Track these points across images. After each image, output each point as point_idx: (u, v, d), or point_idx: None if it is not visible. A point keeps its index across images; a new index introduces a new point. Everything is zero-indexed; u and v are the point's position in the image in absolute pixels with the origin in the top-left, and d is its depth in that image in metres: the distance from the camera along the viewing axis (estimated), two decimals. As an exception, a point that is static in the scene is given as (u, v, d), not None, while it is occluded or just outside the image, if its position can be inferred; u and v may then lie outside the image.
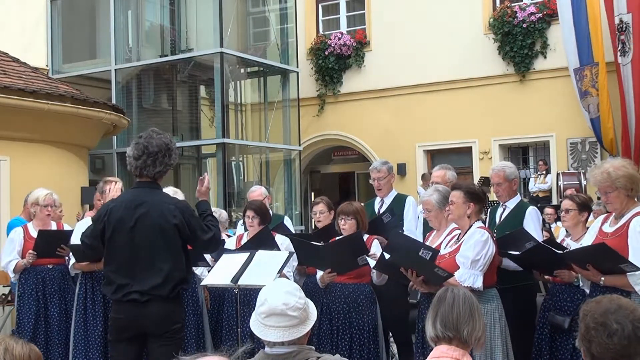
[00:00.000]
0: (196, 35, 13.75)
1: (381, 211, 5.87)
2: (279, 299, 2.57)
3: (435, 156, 14.68)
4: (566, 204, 4.81)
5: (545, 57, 13.60)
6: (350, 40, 15.27)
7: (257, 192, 6.80)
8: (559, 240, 5.07)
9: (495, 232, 4.79)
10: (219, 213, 6.68)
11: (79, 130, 10.17)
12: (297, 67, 14.56)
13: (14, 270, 5.80)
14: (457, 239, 4.38)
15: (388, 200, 5.94)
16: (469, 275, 4.11)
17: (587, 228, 4.57)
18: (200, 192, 4.47)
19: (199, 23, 13.67)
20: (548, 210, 10.66)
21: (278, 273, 4.63)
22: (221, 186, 12.44)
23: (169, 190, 5.45)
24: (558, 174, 12.80)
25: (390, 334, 5.82)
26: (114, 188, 5.33)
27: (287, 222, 6.89)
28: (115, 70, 13.03)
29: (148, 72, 13.58)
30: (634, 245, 3.82)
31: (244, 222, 5.95)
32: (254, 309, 2.67)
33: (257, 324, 2.60)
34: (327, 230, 5.47)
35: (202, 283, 5.21)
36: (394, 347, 6.02)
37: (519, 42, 13.63)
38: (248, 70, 14.91)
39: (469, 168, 14.12)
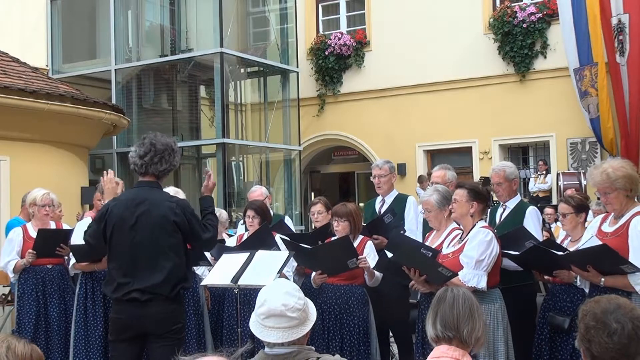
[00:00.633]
0: (196, 35, 13.75)
1: (382, 211, 5.87)
2: (278, 299, 2.56)
3: (435, 156, 14.67)
4: (563, 208, 4.78)
5: (545, 57, 13.60)
6: (350, 40, 15.27)
7: (257, 192, 6.79)
8: (559, 241, 5.06)
9: (495, 232, 4.78)
10: (219, 213, 6.66)
11: (79, 130, 10.17)
12: (297, 67, 14.56)
13: (14, 270, 5.80)
14: (460, 238, 4.36)
15: (389, 200, 5.94)
16: (472, 275, 4.09)
17: (586, 228, 4.56)
18: (208, 187, 4.48)
19: (199, 23, 13.67)
20: (548, 210, 10.64)
21: (278, 273, 4.63)
22: (221, 186, 12.44)
23: (170, 190, 5.45)
24: (558, 174, 12.80)
25: (391, 334, 5.83)
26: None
27: (288, 221, 6.88)
28: (115, 70, 13.04)
29: (148, 72, 13.58)
30: (634, 245, 3.82)
31: (245, 222, 5.95)
32: (254, 309, 2.67)
33: (257, 325, 2.60)
34: (323, 230, 5.46)
35: (202, 283, 5.21)
36: (394, 347, 6.03)
37: (519, 42, 13.63)
38: (248, 70, 14.91)
39: (469, 168, 14.12)
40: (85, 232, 4.42)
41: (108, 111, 10.45)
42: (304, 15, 15.49)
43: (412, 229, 5.72)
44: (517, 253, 4.56)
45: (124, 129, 11.71)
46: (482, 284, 4.08)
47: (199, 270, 5.55)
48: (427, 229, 5.17)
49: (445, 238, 4.56)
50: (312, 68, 15.63)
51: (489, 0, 14.15)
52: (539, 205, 9.85)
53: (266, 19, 15.05)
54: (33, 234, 5.82)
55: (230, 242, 5.90)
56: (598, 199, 4.28)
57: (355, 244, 5.07)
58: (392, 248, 4.69)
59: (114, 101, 12.24)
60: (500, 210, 5.28)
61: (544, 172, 13.36)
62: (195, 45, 13.67)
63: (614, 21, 12.06)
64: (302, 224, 14.29)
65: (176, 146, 4.23)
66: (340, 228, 5.06)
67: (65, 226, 6.20)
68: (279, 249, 5.26)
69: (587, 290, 4.18)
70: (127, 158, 4.41)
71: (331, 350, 4.80)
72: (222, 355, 1.91)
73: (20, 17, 12.65)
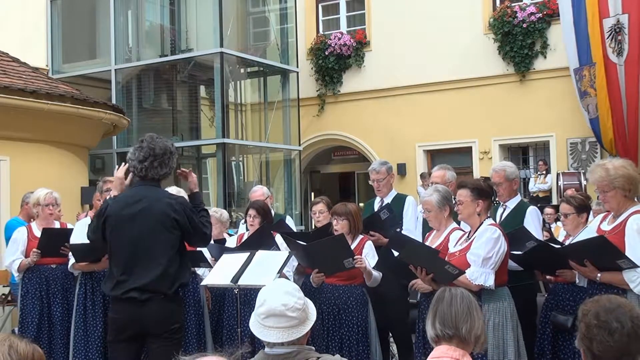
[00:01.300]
0: (196, 35, 13.75)
1: (378, 209, 5.87)
2: (278, 299, 2.56)
3: (435, 156, 14.68)
4: (564, 208, 4.79)
5: (545, 57, 13.60)
6: (350, 40, 15.27)
7: (258, 192, 6.76)
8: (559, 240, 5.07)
9: (502, 229, 4.76)
10: (220, 213, 6.66)
11: (79, 130, 10.18)
12: (297, 67, 14.57)
13: (18, 269, 5.82)
14: (468, 236, 4.33)
15: (388, 200, 5.94)
16: (480, 273, 4.05)
17: (587, 227, 4.57)
18: (192, 182, 4.46)
19: (199, 23, 13.67)
20: (548, 210, 10.65)
21: (278, 273, 4.62)
22: (221, 186, 12.45)
23: (172, 190, 5.45)
24: (558, 174, 12.81)
25: (391, 334, 5.82)
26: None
27: (289, 221, 6.86)
28: (115, 70, 13.04)
29: (148, 72, 13.59)
30: (631, 242, 3.85)
31: (246, 222, 5.94)
32: (254, 309, 2.67)
33: (257, 325, 2.60)
34: (324, 230, 5.44)
35: (202, 283, 5.21)
36: (394, 347, 6.02)
37: (519, 42, 13.63)
38: (248, 70, 14.91)
39: (469, 168, 14.12)
40: (89, 227, 4.42)
41: (108, 111, 10.45)
42: (304, 15, 15.50)
43: (411, 228, 5.72)
44: (519, 252, 4.56)
45: (124, 129, 11.71)
46: (490, 282, 4.05)
47: (199, 270, 5.54)
48: (426, 229, 5.16)
49: (446, 238, 4.56)
50: (312, 68, 15.63)
51: (489, 0, 14.15)
52: (539, 205, 9.84)
53: (266, 19, 15.04)
54: (38, 233, 5.83)
55: (231, 241, 5.90)
56: (598, 197, 4.29)
57: (355, 244, 5.07)
58: (396, 246, 4.67)
59: (114, 101, 12.24)
60: (500, 210, 5.28)
61: (544, 172, 13.36)
62: (195, 45, 13.67)
63: (612, 21, 12.05)
64: (302, 223, 14.29)
65: (174, 148, 4.26)
66: (339, 227, 5.06)
67: (69, 226, 6.21)
68: (279, 249, 5.26)
69: (585, 286, 4.19)
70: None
71: (331, 350, 4.80)
72: (222, 355, 1.91)
73: (20, 17, 12.65)
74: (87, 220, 5.60)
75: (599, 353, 2.23)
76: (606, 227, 4.07)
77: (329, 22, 15.98)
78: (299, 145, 14.64)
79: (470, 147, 14.30)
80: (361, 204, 11.24)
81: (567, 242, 4.81)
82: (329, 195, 6.91)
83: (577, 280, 4.32)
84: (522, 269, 4.71)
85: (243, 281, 4.66)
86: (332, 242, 4.89)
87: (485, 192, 4.32)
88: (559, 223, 10.37)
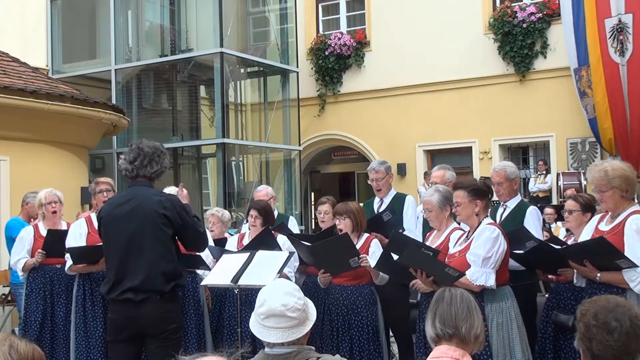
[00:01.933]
0: (196, 35, 13.75)
1: (381, 211, 5.87)
2: (278, 300, 2.56)
3: (435, 156, 14.67)
4: (570, 204, 4.81)
5: (545, 57, 13.60)
6: (350, 40, 15.27)
7: (262, 192, 6.73)
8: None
9: (501, 228, 4.76)
10: (222, 213, 6.66)
11: (79, 130, 10.18)
12: (297, 67, 14.57)
13: (23, 269, 5.84)
14: (467, 236, 4.31)
15: (387, 200, 5.94)
16: (480, 273, 4.03)
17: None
18: (183, 196, 4.56)
19: (199, 23, 13.67)
20: (548, 210, 10.65)
21: (278, 273, 4.62)
22: (221, 186, 12.45)
23: (171, 190, 5.46)
24: (558, 174, 12.81)
25: (391, 334, 5.82)
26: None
27: (292, 222, 6.85)
28: (115, 70, 13.04)
29: (148, 72, 13.59)
30: (630, 242, 3.88)
31: (248, 222, 5.94)
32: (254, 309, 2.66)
33: (257, 325, 2.59)
34: (328, 233, 5.42)
35: (202, 283, 5.21)
36: (394, 347, 6.02)
37: (519, 42, 13.63)
38: (248, 70, 14.91)
39: (469, 168, 14.12)
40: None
41: (108, 111, 10.45)
42: (304, 15, 15.50)
43: (411, 228, 5.72)
44: (520, 252, 4.56)
45: (124, 129, 11.71)
46: (491, 281, 4.03)
47: (199, 270, 5.54)
48: (427, 228, 5.16)
49: (446, 238, 4.56)
50: (312, 68, 15.63)
51: (489, 0, 14.16)
52: (539, 205, 9.85)
53: (266, 19, 15.05)
54: (44, 233, 5.86)
55: (232, 241, 5.89)
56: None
57: (361, 242, 5.06)
58: (395, 249, 4.66)
59: (114, 101, 12.24)
60: (500, 210, 5.28)
61: (544, 172, 13.37)
62: (195, 45, 13.67)
63: (614, 21, 12.06)
64: (302, 224, 14.29)
65: (164, 148, 4.29)
66: (342, 226, 5.04)
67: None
68: (281, 250, 5.25)
69: (583, 286, 4.20)
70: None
71: (341, 352, 4.78)
72: (222, 355, 1.91)
73: (20, 17, 12.65)
74: (81, 222, 5.62)
75: (599, 352, 2.24)
76: (604, 227, 4.10)
77: (329, 22, 15.99)
78: (299, 145, 14.64)
79: (470, 147, 14.30)
80: (360, 204, 11.18)
81: (568, 242, 4.82)
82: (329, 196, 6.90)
83: (575, 280, 4.33)
84: (523, 269, 4.71)
85: (243, 281, 4.66)
86: (336, 241, 4.87)
87: (482, 192, 4.31)
88: (559, 223, 10.37)
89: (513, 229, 4.79)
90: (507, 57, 13.78)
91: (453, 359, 2.61)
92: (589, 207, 4.76)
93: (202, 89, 14.47)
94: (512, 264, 4.65)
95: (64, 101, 9.64)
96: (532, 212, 5.13)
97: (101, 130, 10.86)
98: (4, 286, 8.37)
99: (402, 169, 14.44)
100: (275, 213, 6.55)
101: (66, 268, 5.55)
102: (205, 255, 5.40)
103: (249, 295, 5.10)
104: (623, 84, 12.02)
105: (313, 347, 2.64)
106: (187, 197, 4.61)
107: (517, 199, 5.28)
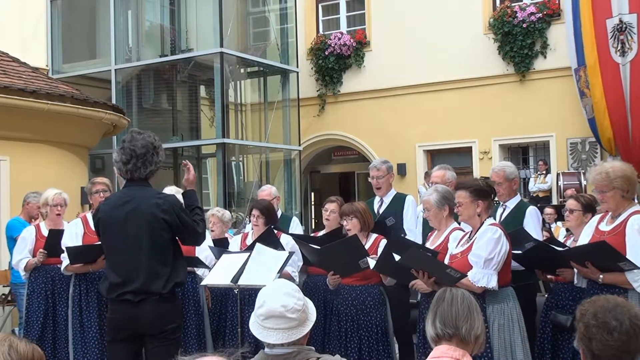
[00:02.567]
0: (196, 35, 13.75)
1: (381, 210, 5.87)
2: (278, 300, 2.56)
3: (435, 156, 14.68)
4: (571, 204, 4.82)
5: (545, 57, 13.60)
6: (350, 40, 15.27)
7: (266, 191, 6.71)
8: (560, 240, 5.07)
9: (503, 229, 4.76)
10: (222, 213, 6.67)
11: (79, 130, 10.18)
12: (297, 67, 14.57)
13: (25, 269, 5.84)
14: (469, 237, 4.28)
15: (387, 200, 5.94)
16: (482, 275, 4.00)
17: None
18: (189, 181, 4.40)
19: (199, 23, 13.67)
20: (548, 210, 10.65)
21: (278, 273, 4.62)
22: (221, 186, 12.45)
23: (172, 190, 5.46)
24: (558, 174, 12.81)
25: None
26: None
27: (296, 222, 6.83)
28: (115, 70, 13.04)
29: (148, 72, 13.59)
30: (631, 243, 3.88)
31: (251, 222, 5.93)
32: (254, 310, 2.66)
33: (256, 326, 2.59)
34: (336, 234, 5.39)
35: (202, 283, 5.21)
36: (395, 347, 6.02)
37: (519, 42, 13.63)
38: (248, 70, 14.92)
39: (469, 168, 14.12)
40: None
41: (108, 111, 10.45)
42: (303, 15, 15.50)
43: (411, 228, 5.72)
44: (519, 252, 4.56)
45: (124, 129, 11.69)
46: (493, 283, 4.00)
47: (199, 270, 5.54)
48: (427, 228, 5.16)
49: (446, 238, 4.55)
50: (312, 68, 15.63)
51: (489, 0, 14.16)
52: (539, 205, 9.85)
53: (266, 19, 15.05)
54: (45, 233, 5.86)
55: (235, 240, 5.88)
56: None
57: (370, 242, 5.05)
58: (396, 250, 4.65)
59: (114, 101, 12.24)
60: (500, 210, 5.28)
61: (544, 172, 13.37)
62: (195, 45, 13.67)
63: (615, 21, 12.06)
64: (302, 224, 14.27)
65: (157, 142, 4.16)
66: (350, 226, 5.03)
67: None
68: (284, 250, 5.24)
69: (584, 287, 4.20)
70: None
71: (350, 352, 4.76)
72: (222, 355, 1.91)
73: (20, 17, 12.65)
74: (77, 222, 5.62)
75: (599, 352, 2.24)
76: (605, 227, 4.10)
77: (329, 22, 15.99)
78: (299, 145, 14.64)
79: (470, 147, 14.30)
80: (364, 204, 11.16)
81: (568, 242, 4.82)
82: (328, 196, 6.90)
83: (576, 281, 4.33)
84: (522, 269, 4.71)
85: (243, 281, 4.66)
86: (345, 243, 4.84)
87: (484, 192, 4.27)
88: (559, 223, 10.37)
89: (512, 230, 4.79)
90: (507, 57, 13.79)
91: (453, 359, 2.61)
92: (589, 208, 4.77)
93: (202, 89, 14.47)
94: (512, 264, 4.65)
95: (64, 101, 9.64)
96: (531, 212, 5.13)
97: (101, 130, 10.86)
98: (4, 286, 8.37)
99: (402, 169, 14.44)
100: (279, 213, 6.54)
101: (62, 268, 5.54)
102: (205, 255, 5.41)
103: (252, 295, 5.09)
104: (624, 84, 12.02)
105: (313, 348, 2.64)
106: (194, 176, 4.43)
107: (517, 199, 5.28)
